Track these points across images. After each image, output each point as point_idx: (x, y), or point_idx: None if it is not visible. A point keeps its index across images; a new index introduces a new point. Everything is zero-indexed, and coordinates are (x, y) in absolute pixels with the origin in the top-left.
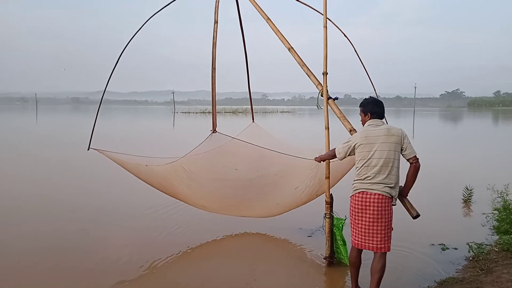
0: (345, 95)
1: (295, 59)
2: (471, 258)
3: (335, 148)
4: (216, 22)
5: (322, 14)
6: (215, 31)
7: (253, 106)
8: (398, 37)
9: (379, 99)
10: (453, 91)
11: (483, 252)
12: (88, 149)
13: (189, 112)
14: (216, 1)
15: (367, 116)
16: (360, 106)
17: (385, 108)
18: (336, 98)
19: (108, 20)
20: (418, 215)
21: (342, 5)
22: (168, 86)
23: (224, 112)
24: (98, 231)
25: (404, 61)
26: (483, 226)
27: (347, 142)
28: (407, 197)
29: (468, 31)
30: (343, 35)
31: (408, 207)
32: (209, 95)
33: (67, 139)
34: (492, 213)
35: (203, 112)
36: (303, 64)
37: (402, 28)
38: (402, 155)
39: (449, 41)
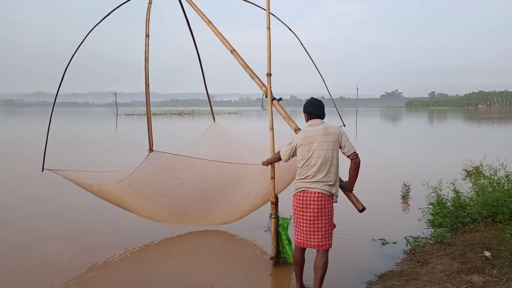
0: (291, 96)
1: (238, 61)
2: (408, 251)
3: (279, 151)
4: (147, 36)
5: (265, 10)
6: (146, 46)
7: (199, 108)
8: (340, 40)
9: (319, 99)
10: (392, 92)
11: (419, 245)
12: (42, 170)
13: (133, 114)
14: (147, 13)
15: (307, 117)
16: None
17: (325, 108)
18: (280, 99)
19: (42, 19)
20: (364, 209)
21: (283, 6)
22: (110, 87)
23: (170, 114)
24: (37, 234)
25: (347, 63)
26: (420, 220)
27: (290, 143)
28: (352, 192)
29: (406, 35)
30: (290, 36)
31: (354, 201)
32: (153, 96)
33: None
34: (428, 207)
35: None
36: (246, 66)
37: (344, 31)
38: (342, 152)
39: (388, 45)
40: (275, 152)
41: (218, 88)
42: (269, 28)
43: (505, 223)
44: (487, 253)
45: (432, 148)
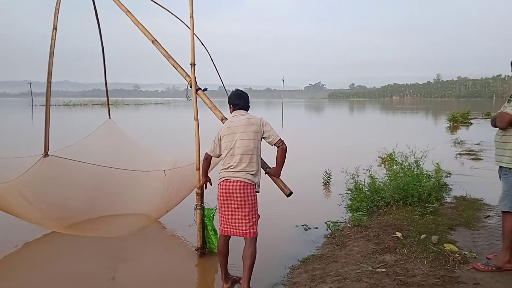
0: (219, 87)
1: (160, 51)
2: (329, 236)
3: (205, 154)
4: (55, 28)
5: None
6: (53, 39)
7: (124, 98)
8: (267, 32)
9: (244, 92)
10: (316, 84)
11: (338, 229)
12: None
13: (51, 105)
14: (56, 4)
15: (231, 108)
16: None
17: (250, 99)
18: (206, 89)
19: None
20: (291, 193)
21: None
22: (25, 75)
23: (92, 104)
24: None
25: (273, 54)
26: (339, 205)
27: (214, 138)
28: (279, 177)
29: (328, 27)
30: (217, 27)
31: (281, 186)
32: (74, 86)
33: None
34: (346, 193)
35: (67, 105)
36: (168, 56)
37: (269, 23)
38: (268, 142)
39: (311, 37)
40: (199, 146)
41: (143, 78)
42: (192, 17)
43: (414, 205)
44: (399, 234)
45: (352, 137)
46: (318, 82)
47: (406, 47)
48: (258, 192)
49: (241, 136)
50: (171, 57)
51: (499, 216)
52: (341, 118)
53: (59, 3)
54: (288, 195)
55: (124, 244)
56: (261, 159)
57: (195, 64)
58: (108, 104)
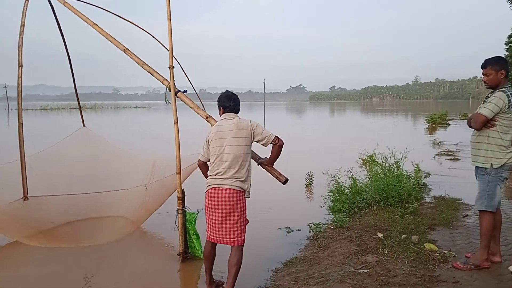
0: (200, 90)
1: (133, 59)
2: (311, 238)
3: (198, 161)
4: (22, 25)
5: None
6: (21, 34)
7: (103, 102)
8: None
9: (234, 93)
10: (297, 86)
11: (321, 230)
12: None
13: (27, 109)
14: (24, 5)
15: (221, 111)
16: None
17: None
18: (185, 91)
19: None
20: (287, 180)
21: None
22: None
23: (70, 108)
24: None
25: (254, 57)
26: (322, 207)
27: (204, 143)
28: (272, 166)
29: (311, 30)
30: (197, 30)
31: (276, 175)
32: (51, 89)
33: None
34: (328, 195)
35: (44, 109)
36: (142, 63)
37: (251, 25)
38: (262, 144)
39: (292, 40)
40: (179, 149)
41: (122, 81)
42: (169, 19)
43: (395, 206)
44: (380, 234)
45: (333, 138)
46: (300, 85)
47: (385, 50)
48: (248, 197)
49: (230, 142)
50: (145, 63)
51: (477, 215)
52: (323, 120)
53: (27, 4)
54: (284, 183)
55: (103, 250)
56: (252, 151)
57: (173, 67)
58: (81, 111)
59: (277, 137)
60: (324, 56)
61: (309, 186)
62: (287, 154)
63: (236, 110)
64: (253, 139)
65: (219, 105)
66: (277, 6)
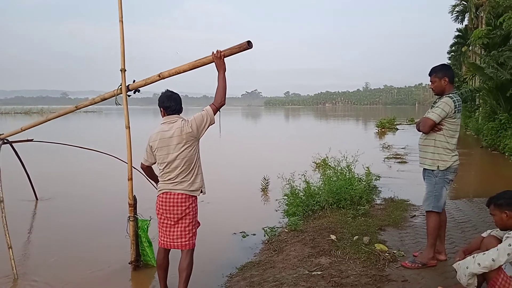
0: (154, 94)
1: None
2: (266, 241)
3: (141, 165)
4: None
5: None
6: None
7: (50, 106)
8: (202, 39)
9: (175, 92)
10: (252, 91)
11: (275, 234)
12: None
13: None
14: None
15: (162, 112)
16: None
17: (187, 107)
18: (137, 91)
19: None
20: (248, 41)
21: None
22: None
23: (14, 113)
24: None
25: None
26: (277, 211)
27: (146, 146)
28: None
29: (264, 35)
30: (152, 33)
31: (235, 50)
32: None
33: None
34: (283, 198)
35: None
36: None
37: (205, 30)
38: (213, 121)
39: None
40: (131, 154)
41: (72, 85)
42: (121, 21)
43: (347, 208)
44: (333, 236)
45: (288, 143)
46: (255, 90)
47: (337, 57)
48: (204, 193)
49: (177, 149)
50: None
51: (424, 215)
52: (278, 125)
53: None
54: (248, 45)
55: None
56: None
57: (125, 70)
58: None
59: (213, 104)
60: (278, 61)
61: (265, 190)
62: (244, 158)
63: (177, 110)
64: (201, 133)
65: (159, 106)
66: (228, 13)
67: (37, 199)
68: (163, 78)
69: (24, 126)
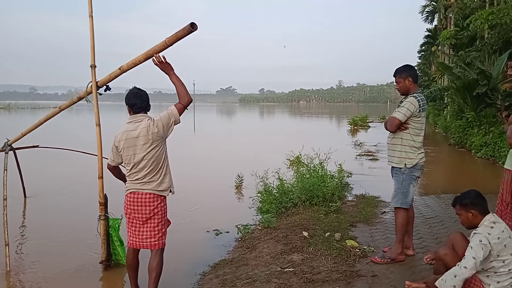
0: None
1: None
2: (239, 239)
3: (108, 165)
4: None
5: None
6: None
7: (18, 102)
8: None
9: (142, 89)
10: (227, 88)
11: (249, 231)
12: None
13: None
14: None
15: (129, 110)
16: None
17: (160, 103)
18: (108, 89)
19: None
20: (192, 23)
21: None
22: None
23: None
24: None
25: (184, 57)
26: (250, 208)
27: (112, 146)
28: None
29: (238, 32)
30: (125, 28)
31: (180, 34)
32: None
33: None
34: (257, 196)
35: None
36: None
37: (181, 25)
38: (179, 119)
39: (222, 41)
40: (102, 153)
41: (41, 79)
42: (91, 16)
43: (320, 205)
44: (305, 233)
45: (263, 140)
46: (229, 87)
47: (312, 55)
48: (173, 193)
49: (143, 149)
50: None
51: (393, 211)
52: (252, 123)
53: None
54: (191, 27)
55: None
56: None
57: (95, 66)
58: None
59: (179, 103)
60: (253, 58)
61: (239, 187)
62: (218, 156)
63: (144, 107)
64: (168, 133)
65: (126, 104)
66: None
67: (25, 196)
68: (124, 71)
69: (24, 131)
